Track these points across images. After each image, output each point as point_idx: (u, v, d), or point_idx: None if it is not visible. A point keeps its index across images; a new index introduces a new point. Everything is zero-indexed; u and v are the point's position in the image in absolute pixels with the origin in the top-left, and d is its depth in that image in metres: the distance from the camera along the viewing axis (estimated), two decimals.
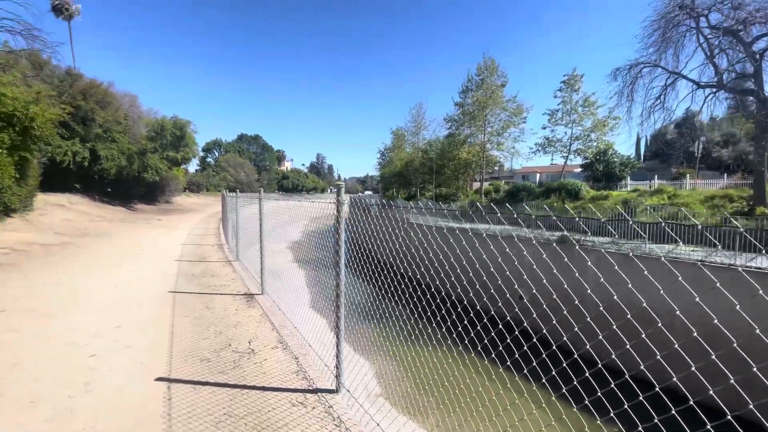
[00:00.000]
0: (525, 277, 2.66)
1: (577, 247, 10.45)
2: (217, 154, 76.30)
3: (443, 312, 2.98)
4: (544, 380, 2.27)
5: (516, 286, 3.01)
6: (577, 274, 2.54)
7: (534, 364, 2.26)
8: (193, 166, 53.98)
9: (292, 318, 4.96)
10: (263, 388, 3.20)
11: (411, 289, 4.01)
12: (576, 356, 2.05)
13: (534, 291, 2.44)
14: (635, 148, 49.26)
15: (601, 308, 2.16)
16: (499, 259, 2.74)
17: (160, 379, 3.34)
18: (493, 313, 2.92)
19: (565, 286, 2.39)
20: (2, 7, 11.34)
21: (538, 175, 44.13)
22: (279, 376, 3.41)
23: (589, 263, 2.33)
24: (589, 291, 2.26)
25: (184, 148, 31.55)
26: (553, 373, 2.11)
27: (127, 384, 3.26)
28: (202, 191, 54.16)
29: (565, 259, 2.49)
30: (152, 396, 3.05)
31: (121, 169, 22.53)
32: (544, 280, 2.42)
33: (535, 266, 2.39)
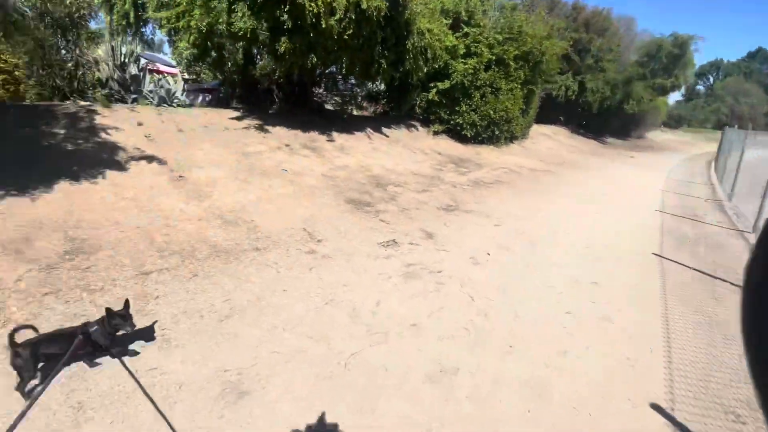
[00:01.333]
0: None
1: None
2: (711, 79, 58.40)
3: None
4: None
5: None
6: None
7: None
8: (675, 97, 44.56)
9: None
10: None
11: None
12: None
13: None
14: None
15: None
16: None
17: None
18: None
19: None
20: None
21: None
22: None
23: None
24: None
25: (677, 72, 25.84)
26: None
27: (612, 399, 2.29)
28: (681, 127, 44.48)
29: None
30: None
31: (603, 100, 21.90)
32: None
33: None
